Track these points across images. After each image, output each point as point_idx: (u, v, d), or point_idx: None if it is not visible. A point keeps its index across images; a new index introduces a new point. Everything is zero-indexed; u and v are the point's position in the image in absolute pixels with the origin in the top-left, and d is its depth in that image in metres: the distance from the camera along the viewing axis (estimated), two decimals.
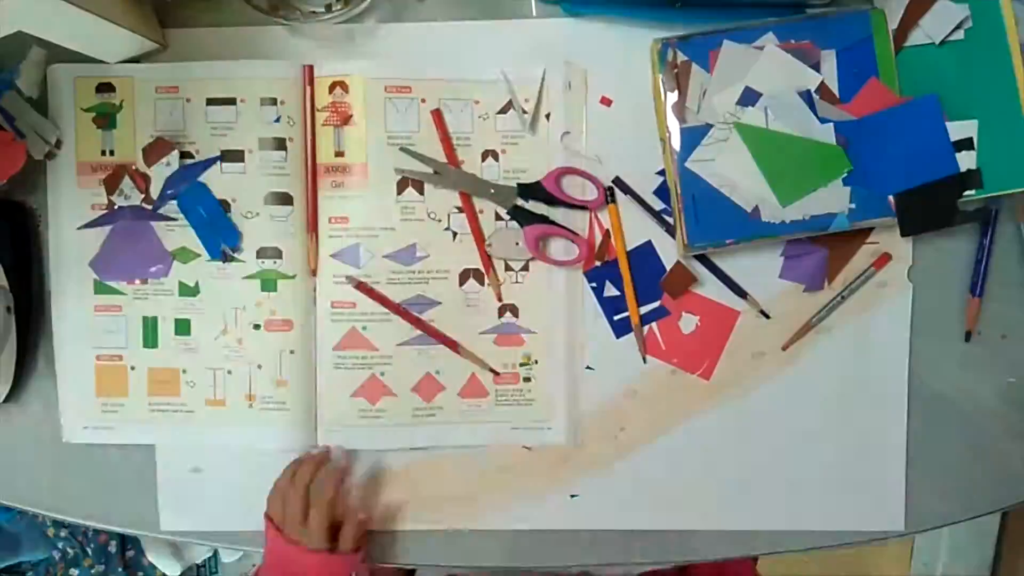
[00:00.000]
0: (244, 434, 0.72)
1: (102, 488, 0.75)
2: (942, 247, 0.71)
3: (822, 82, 0.68)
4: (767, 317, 0.72)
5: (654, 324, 0.72)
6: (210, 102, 0.70)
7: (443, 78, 0.70)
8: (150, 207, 0.71)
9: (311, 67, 0.70)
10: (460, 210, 0.71)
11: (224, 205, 0.70)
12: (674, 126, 0.68)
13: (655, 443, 0.73)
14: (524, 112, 0.70)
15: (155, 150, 0.70)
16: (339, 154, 0.71)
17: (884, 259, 0.71)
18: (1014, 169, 0.68)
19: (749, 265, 0.71)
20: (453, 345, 0.71)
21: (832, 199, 0.68)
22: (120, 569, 1.34)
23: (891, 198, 0.68)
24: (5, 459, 0.75)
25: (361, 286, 0.70)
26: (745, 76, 0.68)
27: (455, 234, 0.72)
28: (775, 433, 0.73)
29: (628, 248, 0.72)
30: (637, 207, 0.71)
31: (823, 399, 0.72)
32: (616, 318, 0.72)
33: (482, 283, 0.72)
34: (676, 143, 0.68)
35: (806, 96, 0.68)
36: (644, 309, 0.72)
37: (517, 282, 0.72)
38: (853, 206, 0.68)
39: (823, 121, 0.68)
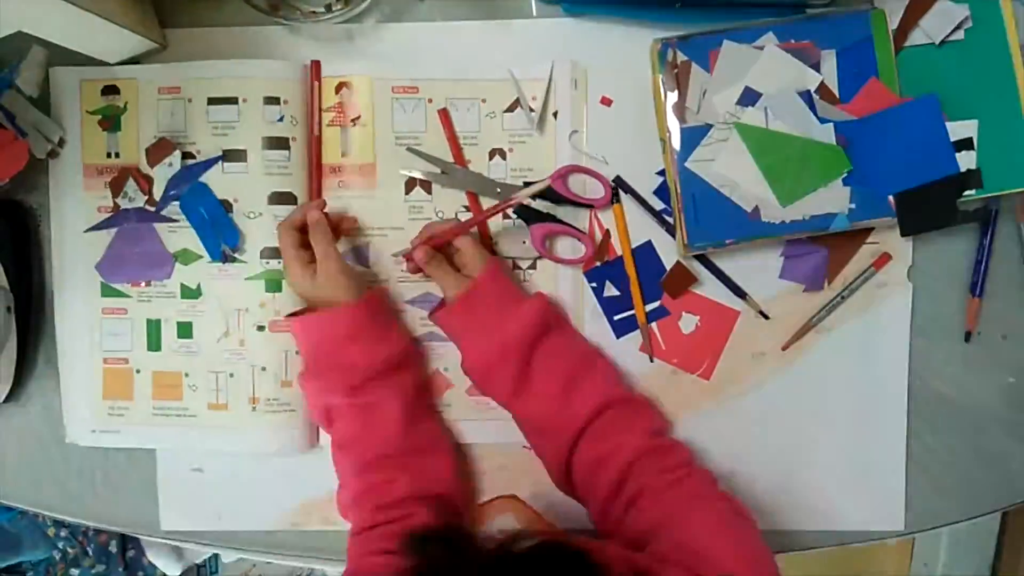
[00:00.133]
0: (246, 438, 0.72)
1: (103, 488, 0.75)
2: (942, 247, 0.71)
3: (822, 82, 0.68)
4: (766, 318, 0.72)
5: (654, 324, 0.72)
6: (211, 102, 0.70)
7: (450, 78, 0.71)
8: (153, 209, 0.71)
9: (318, 63, 0.70)
10: (468, 209, 0.71)
11: (226, 205, 0.70)
12: (674, 126, 0.68)
13: None
14: (531, 111, 0.70)
15: (157, 150, 0.70)
16: (345, 154, 0.71)
17: (884, 259, 0.71)
18: (1014, 169, 0.68)
19: (749, 265, 0.71)
20: None
21: (832, 199, 0.68)
22: (120, 569, 1.34)
23: (891, 198, 0.68)
24: (5, 459, 0.76)
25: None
26: (745, 76, 0.68)
27: None
28: (775, 433, 0.73)
29: (631, 248, 0.72)
30: (637, 207, 0.71)
31: (823, 399, 0.72)
32: (616, 318, 0.72)
33: None
34: (676, 143, 0.68)
35: (806, 96, 0.68)
36: (645, 309, 0.72)
37: (525, 280, 0.72)
38: (853, 206, 0.68)
39: (823, 121, 0.68)
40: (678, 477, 0.62)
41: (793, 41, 0.68)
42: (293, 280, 0.66)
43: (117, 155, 0.71)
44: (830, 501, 0.73)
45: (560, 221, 0.71)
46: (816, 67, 0.68)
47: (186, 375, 0.72)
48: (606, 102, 0.71)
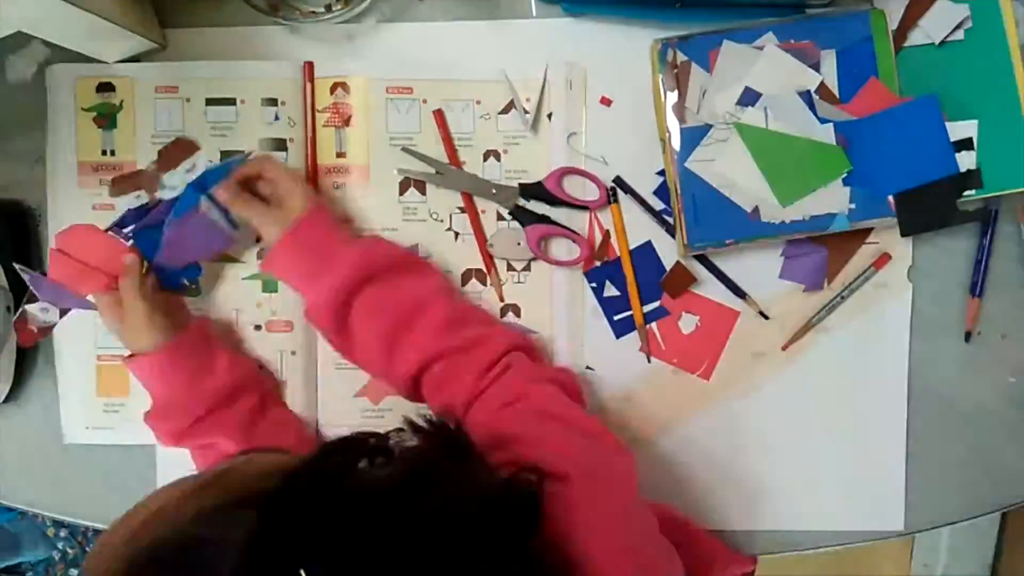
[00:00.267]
0: None
1: (102, 488, 0.75)
2: (942, 247, 0.71)
3: (822, 82, 0.68)
4: (766, 318, 0.72)
5: (654, 324, 0.72)
6: (210, 102, 0.70)
7: (444, 78, 0.70)
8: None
9: (311, 64, 0.70)
10: (462, 210, 0.71)
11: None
12: (674, 126, 0.68)
13: (655, 443, 0.73)
14: (526, 112, 0.70)
15: (175, 152, 0.70)
16: (340, 155, 0.71)
17: (884, 259, 0.71)
18: (1014, 169, 0.68)
19: (749, 265, 0.71)
20: None
21: (832, 199, 0.68)
22: None
23: (891, 198, 0.68)
24: (5, 459, 0.75)
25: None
26: (745, 76, 0.68)
27: (457, 234, 0.71)
28: (775, 433, 0.73)
29: (629, 248, 0.72)
30: (637, 207, 0.71)
31: (823, 399, 0.72)
32: (616, 318, 0.72)
33: (484, 283, 0.72)
34: (676, 143, 0.68)
35: (806, 96, 0.68)
36: (644, 309, 0.72)
37: (519, 282, 0.72)
38: (853, 206, 0.68)
39: (823, 121, 0.68)
40: (511, 404, 0.58)
41: (793, 41, 0.68)
42: (104, 321, 0.66)
43: (113, 152, 0.71)
44: (830, 501, 0.73)
45: (555, 223, 0.71)
46: (816, 67, 0.68)
47: None
48: (605, 102, 0.71)
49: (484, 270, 0.72)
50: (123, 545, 0.37)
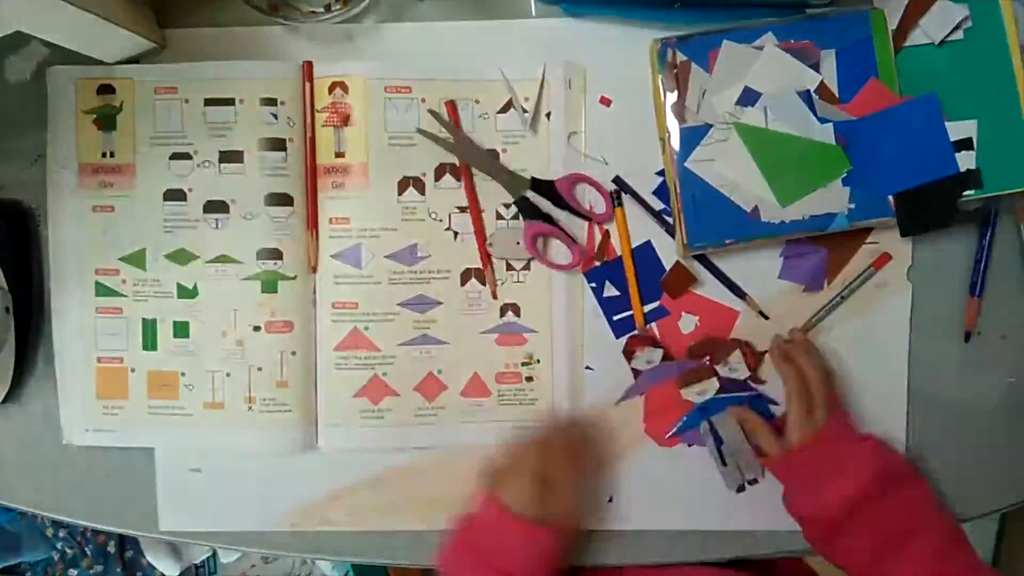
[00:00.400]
0: (243, 437, 0.72)
1: (102, 488, 0.75)
2: (942, 247, 0.71)
3: (822, 82, 0.68)
4: (766, 318, 0.72)
5: (654, 324, 0.72)
6: (208, 102, 0.70)
7: (443, 78, 0.70)
8: None
9: (310, 64, 0.70)
10: (461, 210, 0.71)
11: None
12: (674, 126, 0.68)
13: (655, 443, 0.73)
14: (524, 111, 0.70)
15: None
16: (339, 155, 0.71)
17: (884, 259, 0.71)
18: (1014, 169, 0.68)
19: (749, 265, 0.71)
20: None
21: (832, 199, 0.68)
22: (119, 569, 1.34)
23: (891, 198, 0.68)
24: (4, 459, 0.75)
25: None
26: (745, 76, 0.68)
27: (456, 234, 0.71)
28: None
29: (631, 248, 0.72)
30: (637, 207, 0.71)
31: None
32: (616, 318, 0.72)
33: (483, 283, 0.72)
34: (676, 143, 0.68)
35: (806, 96, 0.68)
36: (644, 309, 0.72)
37: (519, 281, 0.72)
38: (853, 206, 0.68)
39: (823, 121, 0.68)
40: None
41: (793, 41, 0.68)
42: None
43: (112, 155, 0.71)
44: None
45: (555, 223, 0.71)
46: (816, 67, 0.68)
47: (182, 374, 0.72)
48: (605, 102, 0.71)
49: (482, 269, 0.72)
50: None
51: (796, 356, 0.69)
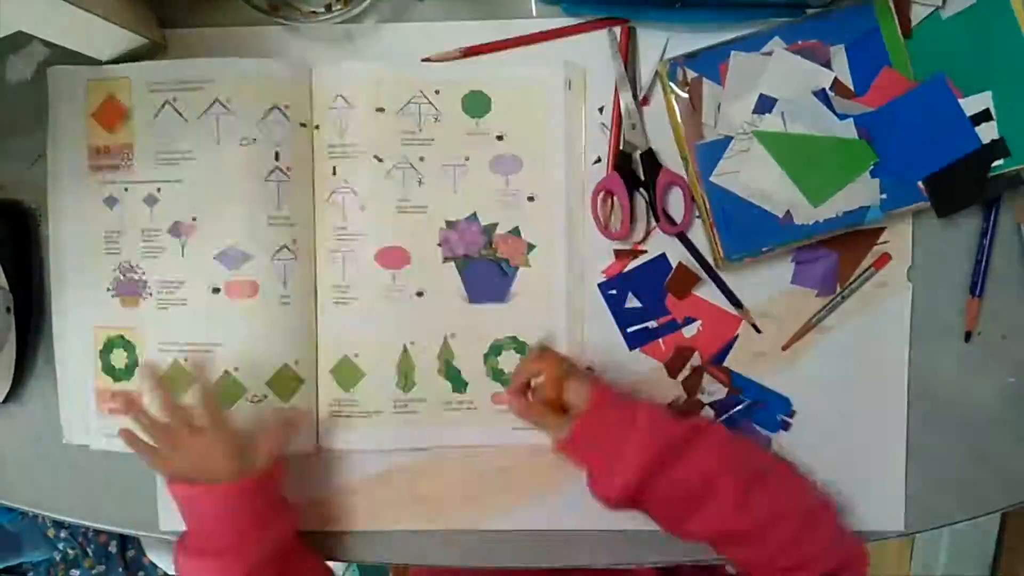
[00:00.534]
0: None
1: (102, 488, 0.75)
2: (942, 247, 0.71)
3: (835, 78, 0.67)
4: (758, 331, 0.71)
5: (660, 340, 0.72)
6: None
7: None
8: None
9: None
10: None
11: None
12: (693, 143, 0.68)
13: None
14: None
15: None
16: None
17: (884, 259, 0.71)
18: None
19: (761, 273, 0.71)
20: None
21: (863, 192, 0.67)
22: (120, 569, 1.34)
23: (920, 183, 0.67)
24: (5, 459, 0.76)
25: None
26: (757, 84, 0.67)
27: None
28: (775, 433, 0.73)
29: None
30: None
31: (823, 399, 0.72)
32: (631, 330, 0.72)
33: None
34: (698, 160, 0.68)
35: (821, 95, 0.67)
36: (657, 323, 0.72)
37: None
38: (884, 196, 0.67)
39: (842, 117, 0.67)
40: None
41: (800, 42, 0.67)
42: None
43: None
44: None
45: (634, 195, 0.70)
46: (827, 64, 0.67)
47: None
48: (605, 102, 0.71)
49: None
50: None
51: (525, 374, 0.66)
